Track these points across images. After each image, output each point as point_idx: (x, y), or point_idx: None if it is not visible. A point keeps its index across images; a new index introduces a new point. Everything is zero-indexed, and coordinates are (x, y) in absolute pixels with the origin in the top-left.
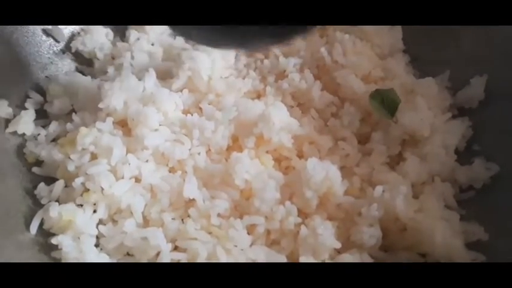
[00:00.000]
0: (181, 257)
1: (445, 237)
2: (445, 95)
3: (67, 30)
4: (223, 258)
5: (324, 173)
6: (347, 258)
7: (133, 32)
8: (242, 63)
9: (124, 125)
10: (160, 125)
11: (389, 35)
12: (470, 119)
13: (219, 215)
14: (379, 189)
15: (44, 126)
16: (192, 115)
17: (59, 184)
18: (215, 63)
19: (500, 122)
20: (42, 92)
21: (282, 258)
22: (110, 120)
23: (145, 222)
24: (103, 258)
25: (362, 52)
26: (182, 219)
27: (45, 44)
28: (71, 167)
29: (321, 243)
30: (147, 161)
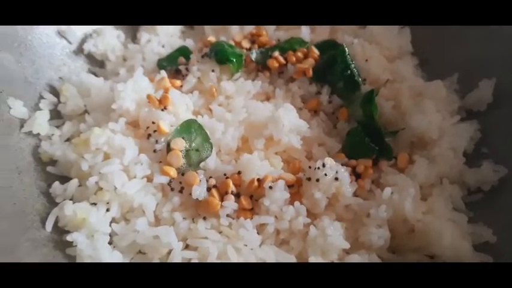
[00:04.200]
0: (192, 256)
1: (453, 239)
2: (454, 98)
3: (80, 32)
4: (233, 257)
5: (332, 174)
6: (355, 258)
7: (144, 34)
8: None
9: (136, 126)
10: (171, 125)
11: (398, 38)
12: (478, 121)
13: (228, 215)
14: (387, 191)
15: (58, 127)
16: (202, 116)
17: (73, 183)
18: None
19: (509, 125)
20: (56, 93)
21: (291, 258)
22: (122, 120)
23: (157, 221)
24: (116, 255)
25: (371, 56)
26: (193, 219)
27: (58, 46)
28: (84, 167)
29: (330, 244)
30: (160, 162)
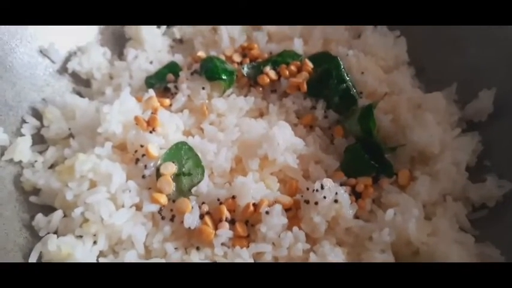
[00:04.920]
0: None
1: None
2: (453, 109)
3: (63, 50)
4: None
5: (332, 196)
6: None
7: (131, 50)
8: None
9: (123, 149)
10: (161, 148)
11: (393, 47)
12: (479, 133)
13: (223, 244)
14: (390, 212)
15: (41, 152)
16: (193, 137)
17: (57, 214)
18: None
19: (511, 135)
20: (38, 115)
21: None
22: (108, 145)
23: (147, 252)
24: None
25: (366, 67)
26: (185, 249)
27: (41, 65)
28: (69, 196)
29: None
30: (149, 188)
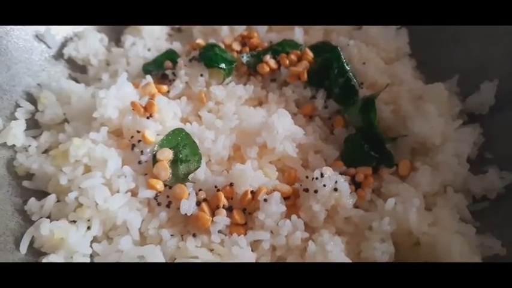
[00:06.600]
0: None
1: (462, 253)
2: (455, 101)
3: (60, 35)
4: None
5: (331, 185)
6: None
7: (128, 36)
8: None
9: (119, 135)
10: (158, 134)
11: (395, 39)
12: (481, 125)
13: (220, 231)
14: (391, 201)
15: (35, 137)
16: (191, 124)
17: (51, 199)
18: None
19: None
20: (33, 100)
21: None
22: (104, 130)
23: (143, 239)
24: None
25: (367, 58)
26: (182, 236)
27: (36, 50)
28: (63, 181)
29: (330, 261)
30: (145, 174)
